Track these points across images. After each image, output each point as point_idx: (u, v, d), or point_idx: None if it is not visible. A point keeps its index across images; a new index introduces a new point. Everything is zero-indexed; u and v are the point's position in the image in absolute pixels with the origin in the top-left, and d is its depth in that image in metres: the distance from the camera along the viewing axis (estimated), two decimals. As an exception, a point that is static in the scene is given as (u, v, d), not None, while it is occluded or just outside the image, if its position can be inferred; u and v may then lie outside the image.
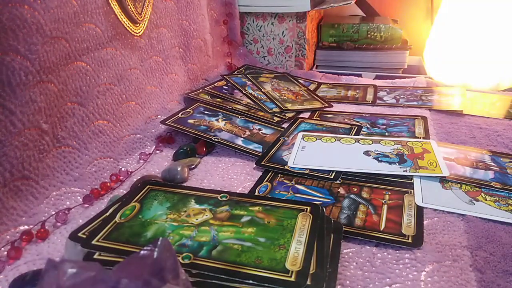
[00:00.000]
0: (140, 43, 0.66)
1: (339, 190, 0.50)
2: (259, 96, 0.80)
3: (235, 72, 0.93)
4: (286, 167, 0.55)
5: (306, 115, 0.75)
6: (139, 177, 0.52)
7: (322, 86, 0.91)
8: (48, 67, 0.47)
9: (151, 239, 0.38)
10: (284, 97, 0.81)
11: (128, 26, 0.62)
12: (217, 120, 0.68)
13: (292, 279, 0.33)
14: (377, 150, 0.58)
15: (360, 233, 0.42)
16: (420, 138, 0.63)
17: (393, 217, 0.45)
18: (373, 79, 0.98)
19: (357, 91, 0.87)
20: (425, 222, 0.44)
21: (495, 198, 0.48)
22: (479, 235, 0.42)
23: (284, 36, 1.01)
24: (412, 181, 0.51)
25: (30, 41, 0.44)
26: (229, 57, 1.00)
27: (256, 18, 1.01)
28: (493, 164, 0.56)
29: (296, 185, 0.51)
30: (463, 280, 0.37)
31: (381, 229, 0.43)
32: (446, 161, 0.55)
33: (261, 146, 0.61)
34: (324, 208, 0.43)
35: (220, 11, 0.96)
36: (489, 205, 0.47)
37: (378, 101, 0.81)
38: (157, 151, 0.61)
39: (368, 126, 0.69)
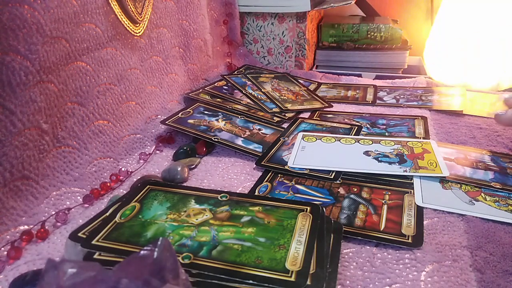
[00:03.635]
0: (140, 43, 0.66)
1: (339, 190, 0.50)
2: (259, 96, 0.80)
3: (235, 72, 0.93)
4: (286, 167, 0.55)
5: (306, 115, 0.75)
6: (139, 177, 0.52)
7: (322, 86, 0.91)
8: (48, 67, 0.47)
9: (151, 239, 0.38)
10: (284, 97, 0.81)
11: (128, 26, 0.62)
12: (217, 120, 0.68)
13: (292, 279, 0.33)
14: (377, 150, 0.58)
15: (360, 233, 0.42)
16: (420, 138, 0.63)
17: (393, 217, 0.45)
18: (373, 79, 0.98)
19: (357, 91, 0.87)
20: (425, 222, 0.44)
21: (495, 198, 0.48)
22: (479, 235, 0.42)
23: (284, 36, 1.01)
24: (412, 181, 0.51)
25: (30, 41, 0.44)
26: (229, 57, 1.00)
27: (256, 18, 1.01)
28: (493, 164, 0.56)
29: (296, 185, 0.51)
30: (463, 280, 0.37)
31: (381, 229, 0.43)
32: (446, 161, 0.55)
33: (261, 146, 0.61)
34: (324, 208, 0.43)
35: (220, 11, 0.96)
36: (489, 205, 0.47)
37: (378, 101, 0.81)
38: (157, 151, 0.61)
39: (368, 126, 0.69)
